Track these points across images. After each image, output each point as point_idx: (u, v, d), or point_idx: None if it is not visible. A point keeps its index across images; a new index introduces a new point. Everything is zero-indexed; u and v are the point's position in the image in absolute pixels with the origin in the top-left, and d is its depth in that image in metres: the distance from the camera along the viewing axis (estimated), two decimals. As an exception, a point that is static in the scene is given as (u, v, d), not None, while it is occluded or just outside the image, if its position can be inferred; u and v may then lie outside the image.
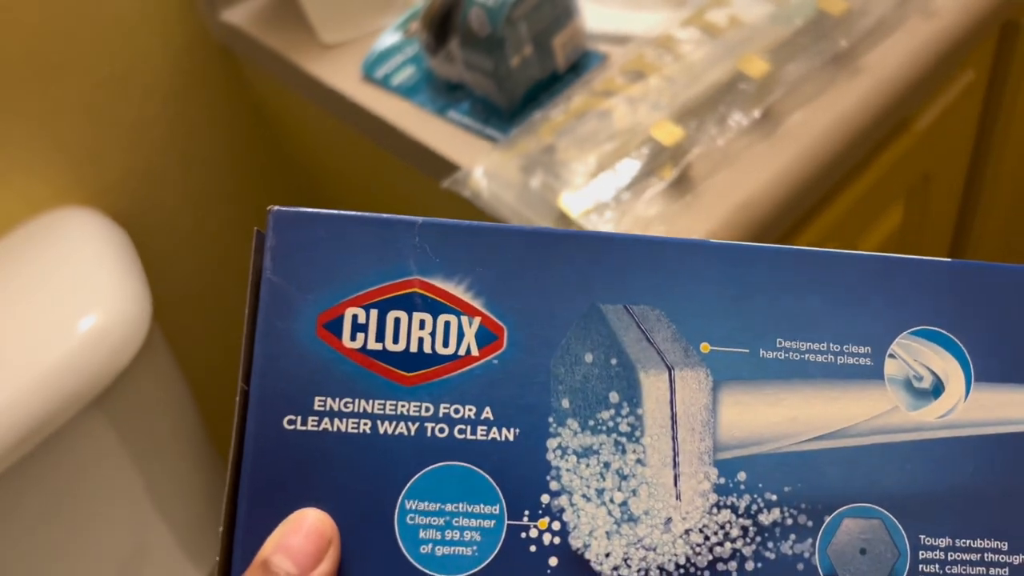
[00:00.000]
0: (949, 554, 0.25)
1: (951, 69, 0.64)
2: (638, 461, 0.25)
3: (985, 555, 0.25)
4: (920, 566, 0.25)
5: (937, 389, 0.26)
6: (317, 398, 0.25)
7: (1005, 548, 0.25)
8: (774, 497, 0.25)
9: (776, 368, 0.26)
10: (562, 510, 0.25)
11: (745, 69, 0.57)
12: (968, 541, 0.25)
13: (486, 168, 0.54)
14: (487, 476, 0.25)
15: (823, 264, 0.27)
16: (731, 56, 0.58)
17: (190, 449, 0.81)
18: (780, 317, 0.26)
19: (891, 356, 0.26)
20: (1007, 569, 0.25)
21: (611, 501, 0.25)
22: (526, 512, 0.25)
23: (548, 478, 0.25)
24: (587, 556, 0.25)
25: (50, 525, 0.70)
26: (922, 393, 0.26)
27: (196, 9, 0.77)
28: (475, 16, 0.57)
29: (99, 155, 0.77)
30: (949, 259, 0.27)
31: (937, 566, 0.25)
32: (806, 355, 0.26)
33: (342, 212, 0.26)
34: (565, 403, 0.25)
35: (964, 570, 0.25)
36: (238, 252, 0.92)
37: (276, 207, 0.26)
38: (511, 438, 0.25)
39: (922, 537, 0.25)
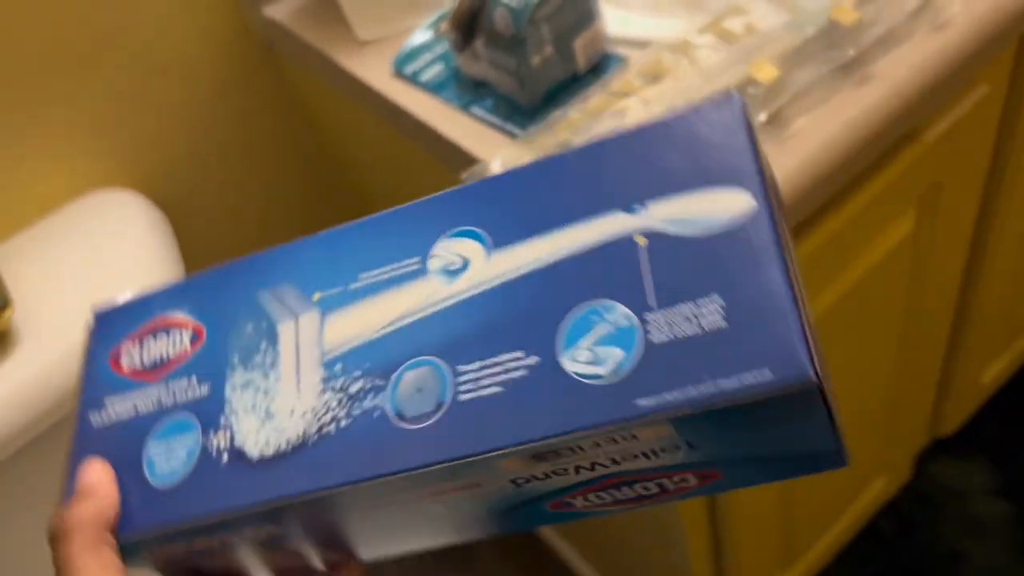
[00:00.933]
0: (479, 372, 0.32)
1: (961, 82, 0.65)
2: (276, 379, 0.36)
3: (506, 365, 0.32)
4: (458, 387, 0.33)
5: (465, 265, 0.35)
6: (107, 398, 0.39)
7: (521, 355, 0.32)
8: (359, 373, 0.34)
9: (361, 292, 0.36)
10: (232, 424, 0.36)
11: (755, 74, 0.59)
12: (492, 359, 0.32)
13: (503, 160, 0.57)
14: (191, 417, 0.37)
15: (382, 222, 0.37)
16: (744, 61, 0.61)
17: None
18: (360, 261, 0.37)
19: (432, 256, 0.35)
20: (525, 370, 0.32)
21: (258, 409, 0.36)
22: (212, 431, 0.36)
23: (225, 407, 0.36)
24: (244, 448, 0.35)
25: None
26: (454, 272, 0.35)
27: (239, 5, 0.81)
28: (499, 16, 0.60)
29: (143, 141, 0.82)
30: (460, 186, 0.37)
31: (471, 383, 0.32)
32: (378, 276, 0.36)
33: (138, 298, 0.41)
34: (236, 359, 0.37)
35: (492, 380, 0.32)
36: (272, 238, 0.96)
37: (97, 309, 0.42)
38: (206, 391, 0.37)
39: (458, 367, 0.33)
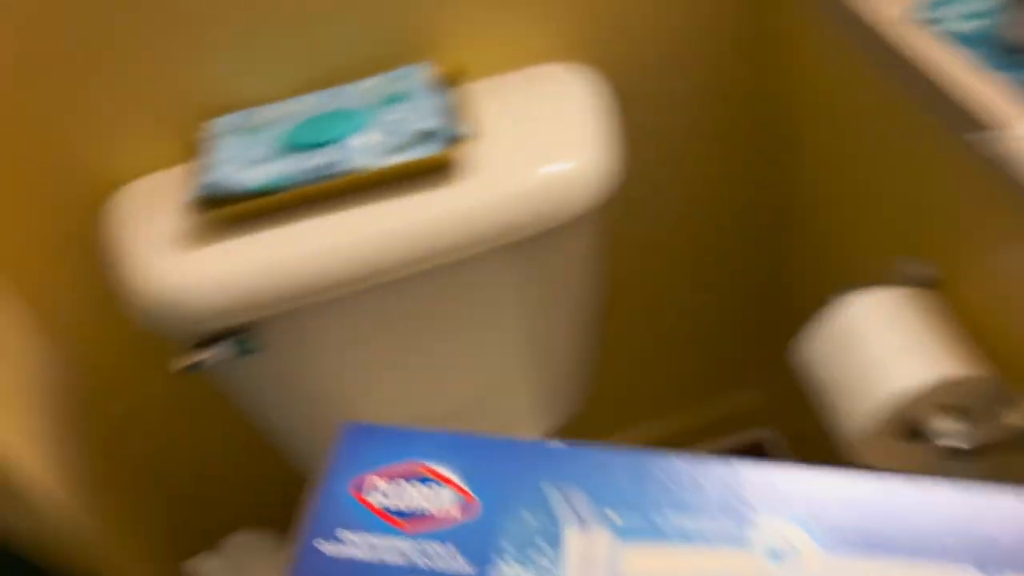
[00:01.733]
0: None
1: None
2: None
3: None
4: None
5: (793, 553, 0.34)
6: (339, 530, 0.37)
7: None
8: None
9: (665, 532, 0.35)
10: None
11: None
12: None
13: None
14: None
15: (697, 466, 0.37)
16: None
17: (580, 321, 0.85)
18: (661, 494, 0.36)
19: (755, 526, 0.34)
20: None
21: None
22: None
23: None
24: None
25: (449, 331, 0.77)
26: (781, 554, 0.34)
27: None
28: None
29: (598, 17, 0.82)
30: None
31: None
32: (686, 521, 0.34)
33: (386, 427, 0.40)
34: (507, 544, 0.36)
35: None
36: (690, 173, 0.94)
37: (353, 425, 0.40)
38: (470, 571, 0.35)
39: None
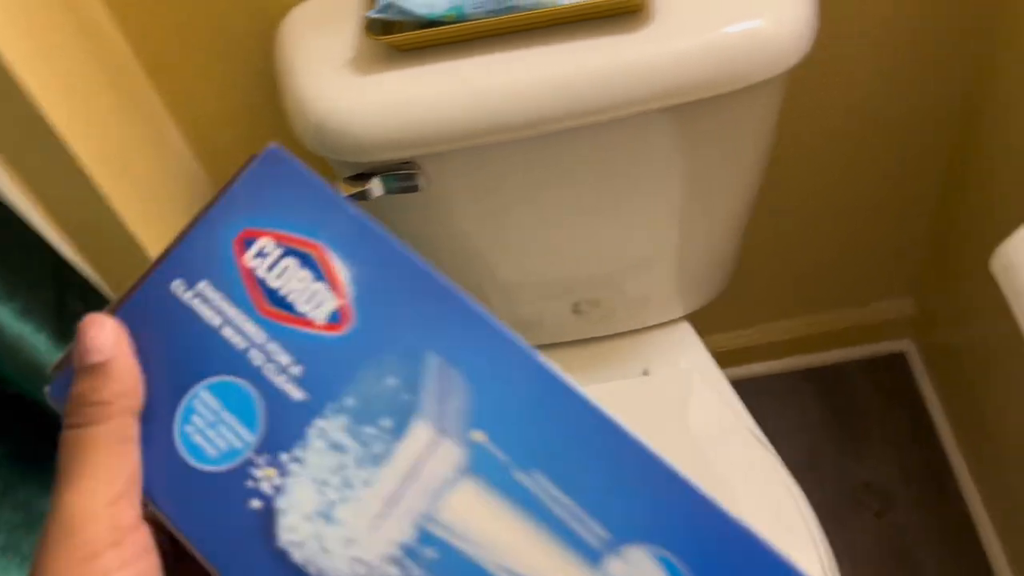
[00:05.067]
0: None
1: None
2: (365, 481, 0.28)
3: None
4: None
5: None
6: (204, 280, 0.31)
7: None
8: None
9: (519, 493, 0.28)
10: (289, 474, 0.29)
11: None
12: None
13: None
14: (264, 411, 0.30)
15: (624, 446, 0.28)
16: None
17: (739, 199, 0.81)
18: (557, 457, 0.28)
19: (618, 555, 0.27)
20: None
21: (325, 495, 0.28)
22: (266, 455, 0.29)
23: (297, 444, 0.29)
24: (280, 518, 0.29)
25: (606, 193, 0.75)
26: None
27: None
28: None
29: None
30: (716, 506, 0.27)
31: None
32: (552, 500, 0.28)
33: (310, 175, 0.32)
34: (350, 401, 0.29)
35: None
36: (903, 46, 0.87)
37: (273, 145, 0.32)
38: (297, 397, 0.30)
39: None
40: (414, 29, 0.64)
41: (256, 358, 0.30)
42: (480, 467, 0.28)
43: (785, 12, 0.66)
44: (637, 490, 0.28)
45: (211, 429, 0.30)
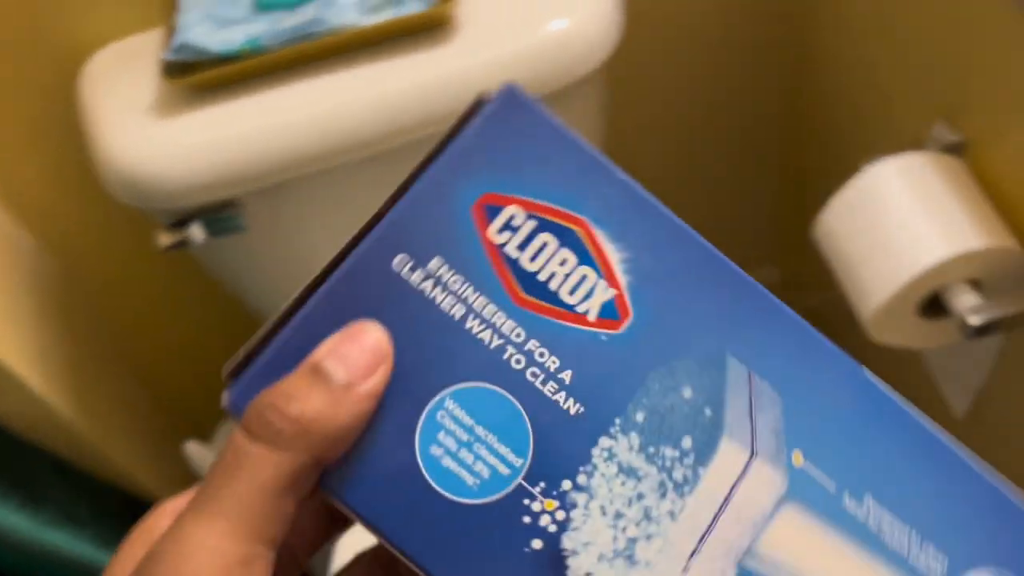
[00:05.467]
0: None
1: None
2: (670, 513, 0.24)
3: None
4: None
5: None
6: (437, 258, 0.24)
7: None
8: None
9: (847, 522, 0.24)
10: (575, 506, 0.23)
11: None
12: None
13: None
14: (531, 428, 0.24)
15: (954, 465, 0.25)
16: None
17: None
18: (886, 479, 0.24)
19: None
20: None
21: (623, 530, 0.23)
22: (542, 484, 0.23)
23: (581, 469, 0.24)
24: (569, 562, 0.23)
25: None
26: None
27: None
28: None
29: None
30: None
31: None
32: (883, 527, 0.24)
33: (566, 129, 0.25)
34: (640, 416, 0.24)
35: None
36: (707, 18, 0.89)
37: (511, 83, 0.25)
38: (572, 411, 0.24)
39: None
40: (213, 67, 0.62)
41: (515, 359, 0.24)
42: (803, 493, 0.24)
43: (589, 8, 0.66)
44: (969, 510, 0.25)
45: (466, 450, 0.24)
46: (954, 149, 0.65)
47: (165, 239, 0.66)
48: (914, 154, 0.63)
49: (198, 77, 0.62)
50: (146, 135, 0.63)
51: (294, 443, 0.22)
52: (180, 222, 0.66)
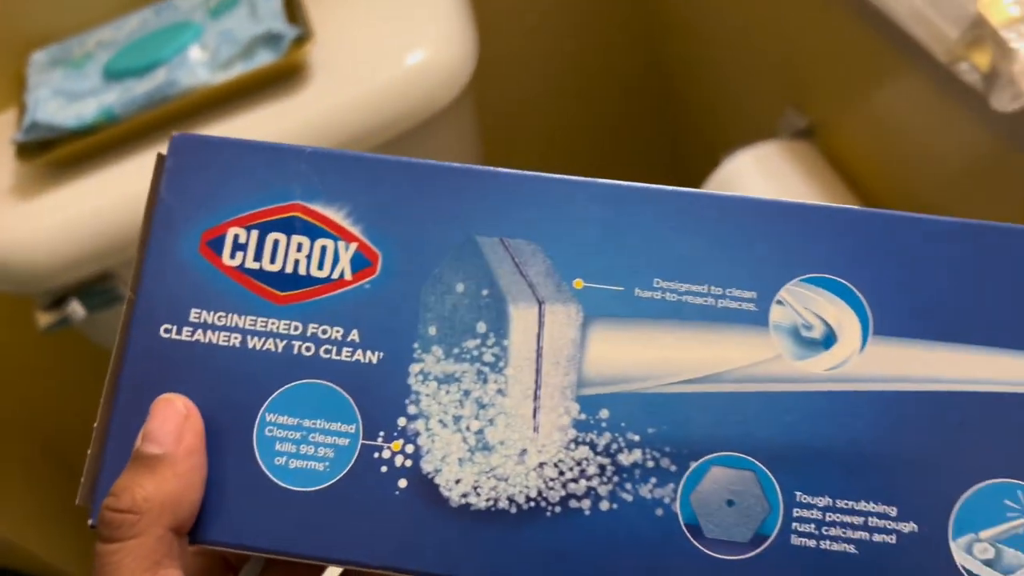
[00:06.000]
0: (828, 514, 0.24)
1: None
2: (499, 391, 0.25)
3: (870, 519, 0.24)
4: (793, 524, 0.24)
5: (828, 339, 0.25)
6: (193, 310, 0.26)
7: (894, 513, 0.24)
8: (636, 438, 0.25)
9: (651, 307, 0.25)
10: (417, 434, 0.25)
11: None
12: (851, 502, 0.24)
13: None
14: (347, 396, 0.26)
15: (709, 206, 0.26)
16: None
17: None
18: (660, 257, 0.25)
19: (779, 302, 0.25)
20: (895, 536, 0.23)
21: (467, 429, 0.25)
22: (381, 433, 0.25)
23: (407, 402, 0.25)
24: (437, 480, 0.25)
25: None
26: (811, 342, 0.25)
27: None
28: None
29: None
30: (848, 206, 0.25)
31: (813, 525, 0.24)
32: (684, 296, 0.25)
33: (236, 139, 0.27)
34: (432, 330, 0.26)
35: (844, 532, 0.24)
36: (567, 22, 0.90)
37: (177, 133, 0.27)
38: (374, 360, 0.26)
39: (798, 494, 0.24)
40: (68, 142, 0.61)
41: (304, 349, 0.26)
42: (599, 308, 0.25)
43: (443, 36, 0.67)
44: (750, 240, 0.26)
45: (304, 445, 0.26)
46: (804, 133, 0.67)
47: (44, 320, 0.64)
48: (767, 143, 0.66)
49: (54, 154, 0.61)
50: (7, 219, 0.62)
51: (140, 527, 0.24)
52: (58, 301, 0.65)
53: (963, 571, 0.24)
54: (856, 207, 0.26)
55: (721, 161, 0.67)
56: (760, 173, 0.64)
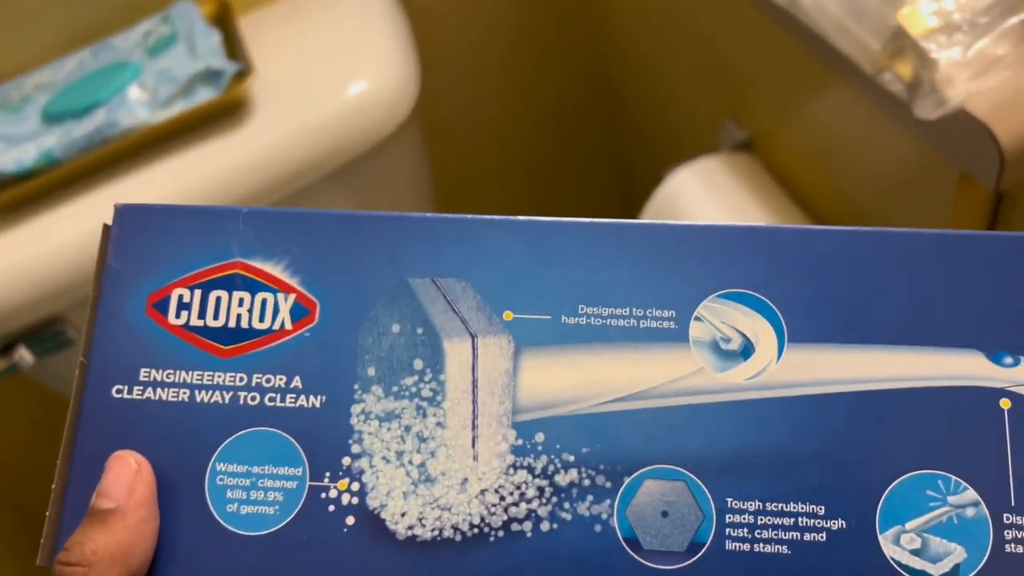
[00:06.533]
0: (759, 518, 0.25)
1: None
2: (438, 424, 0.27)
3: (799, 519, 0.25)
4: (727, 529, 0.25)
5: (747, 350, 0.26)
6: (143, 369, 0.28)
7: (822, 512, 0.25)
8: (571, 458, 0.26)
9: (578, 333, 0.26)
10: (362, 472, 0.26)
11: None
12: (780, 504, 0.25)
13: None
14: (293, 440, 0.27)
15: (626, 234, 0.27)
16: None
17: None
18: (583, 285, 0.27)
19: (697, 319, 0.26)
20: (824, 534, 0.24)
21: (410, 463, 0.26)
22: (327, 474, 0.26)
23: (350, 442, 0.27)
24: (383, 515, 0.26)
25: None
26: (730, 354, 0.26)
27: None
28: None
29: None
30: (758, 224, 0.27)
31: (745, 530, 0.25)
32: (608, 320, 0.27)
33: (176, 205, 0.29)
34: (371, 371, 0.27)
35: (776, 534, 0.25)
36: (509, 45, 0.91)
37: (121, 203, 0.29)
38: (317, 404, 0.27)
39: (729, 500, 0.25)
40: (8, 187, 0.61)
41: (249, 398, 0.27)
42: (529, 338, 0.27)
43: (385, 64, 0.67)
44: (667, 262, 0.27)
45: (254, 491, 0.27)
46: (744, 146, 0.69)
47: (-11, 370, 0.64)
48: (709, 157, 0.67)
49: (-8, 201, 0.60)
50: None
51: None
52: (5, 348, 0.64)
53: (892, 562, 0.24)
54: (765, 225, 0.27)
55: (664, 177, 0.68)
56: (702, 187, 0.65)
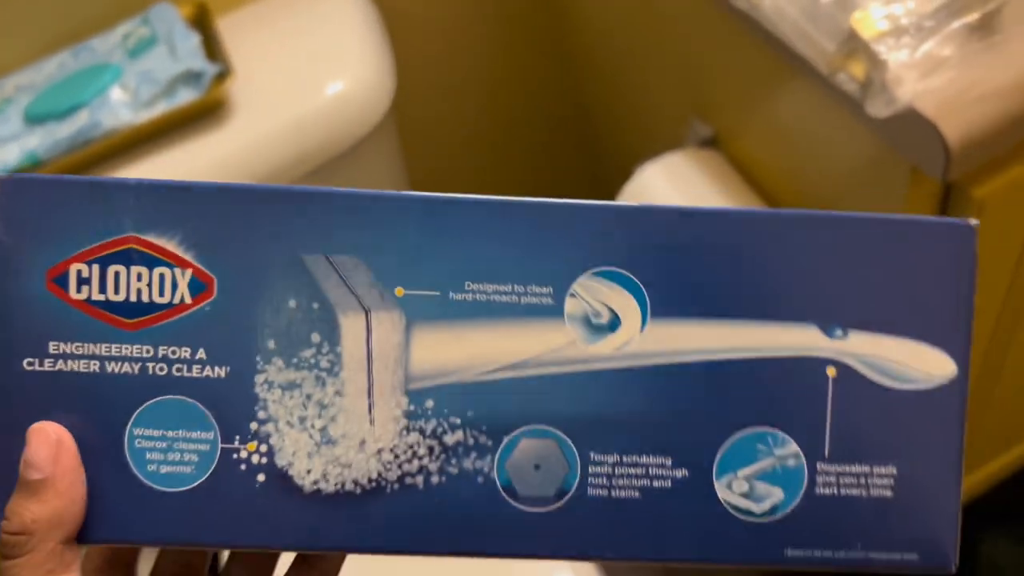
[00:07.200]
0: (616, 468, 0.29)
1: None
2: (337, 393, 0.29)
3: (650, 469, 0.29)
4: (589, 479, 0.29)
5: (614, 324, 0.29)
6: (51, 343, 0.29)
7: (669, 463, 0.29)
8: (458, 421, 0.29)
9: (464, 308, 0.29)
10: (269, 435, 0.29)
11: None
12: (635, 457, 0.29)
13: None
14: (202, 407, 0.29)
15: (509, 213, 0.29)
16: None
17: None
18: (470, 262, 0.29)
19: (572, 295, 0.29)
20: (670, 481, 0.29)
21: (312, 427, 0.29)
22: (237, 437, 0.29)
23: (256, 408, 0.29)
24: (290, 472, 0.29)
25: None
26: (599, 328, 0.29)
27: None
28: None
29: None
30: (629, 203, 0.30)
31: (605, 479, 0.29)
32: (492, 296, 0.29)
33: (67, 176, 0.29)
34: (271, 344, 0.29)
35: (630, 482, 0.29)
36: (482, 46, 0.93)
37: (9, 175, 0.29)
38: (223, 375, 0.29)
39: (592, 454, 0.29)
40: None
41: (158, 369, 0.29)
42: (419, 313, 0.29)
43: (361, 65, 0.69)
44: (547, 241, 0.29)
45: (170, 452, 0.29)
46: (710, 142, 0.71)
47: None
48: (676, 153, 0.70)
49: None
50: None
51: (31, 544, 0.27)
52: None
53: (724, 503, 0.29)
54: (634, 203, 0.30)
55: (634, 172, 0.70)
56: (670, 181, 0.67)
